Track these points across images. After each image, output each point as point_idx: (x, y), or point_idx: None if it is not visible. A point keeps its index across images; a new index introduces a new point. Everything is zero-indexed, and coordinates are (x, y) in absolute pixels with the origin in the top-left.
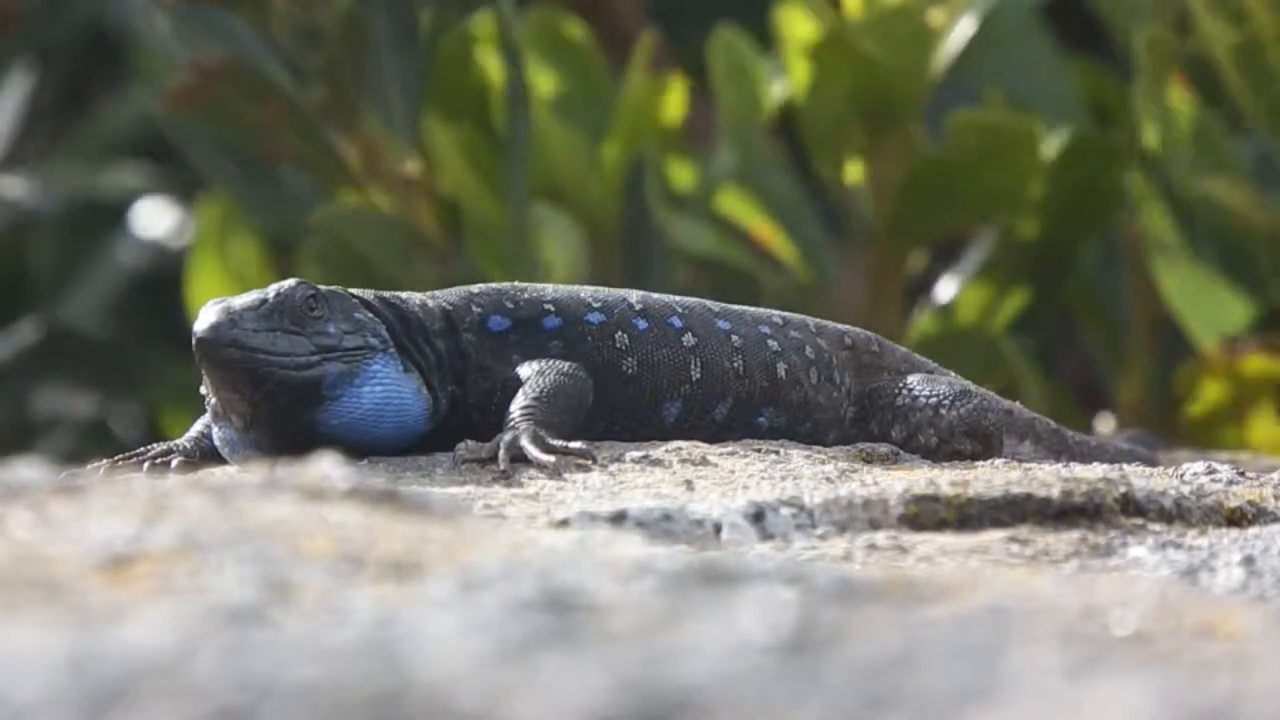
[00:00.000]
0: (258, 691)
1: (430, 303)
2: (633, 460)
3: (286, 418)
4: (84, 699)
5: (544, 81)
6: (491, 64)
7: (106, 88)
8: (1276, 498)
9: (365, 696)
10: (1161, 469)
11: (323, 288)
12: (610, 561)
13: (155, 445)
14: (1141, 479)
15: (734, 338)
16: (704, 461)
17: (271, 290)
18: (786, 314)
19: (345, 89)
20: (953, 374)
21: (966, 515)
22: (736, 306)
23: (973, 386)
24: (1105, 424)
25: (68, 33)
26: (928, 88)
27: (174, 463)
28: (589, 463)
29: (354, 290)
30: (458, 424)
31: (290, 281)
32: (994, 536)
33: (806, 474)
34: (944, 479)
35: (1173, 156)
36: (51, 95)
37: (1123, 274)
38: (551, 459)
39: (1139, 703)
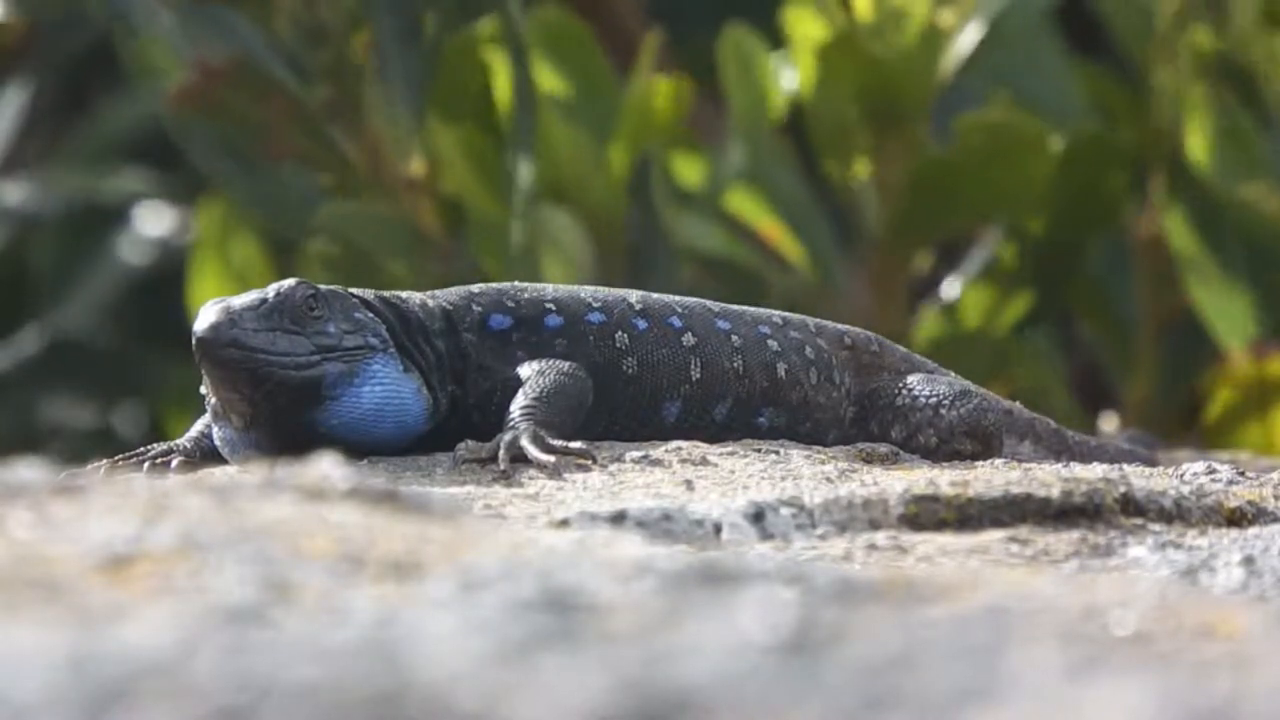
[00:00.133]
0: (258, 691)
1: (430, 302)
2: (633, 460)
3: (286, 418)
4: (84, 699)
5: (549, 81)
6: (496, 63)
7: (107, 91)
8: (1276, 498)
9: (365, 696)
10: (1161, 469)
11: (322, 287)
12: (610, 561)
13: (155, 445)
14: (1141, 479)
15: (734, 338)
16: (704, 461)
17: (271, 290)
18: (786, 314)
19: (349, 88)
20: (953, 374)
21: (966, 515)
22: (736, 306)
23: (973, 386)
24: (1110, 423)
25: (72, 43)
26: (936, 89)
27: (174, 463)
28: (589, 463)
29: (354, 290)
30: (458, 424)
31: (290, 281)
32: (994, 536)
33: (806, 474)
34: (944, 479)
35: (1203, 160)
36: (51, 99)
37: (1132, 274)
38: (551, 459)
39: (1139, 703)
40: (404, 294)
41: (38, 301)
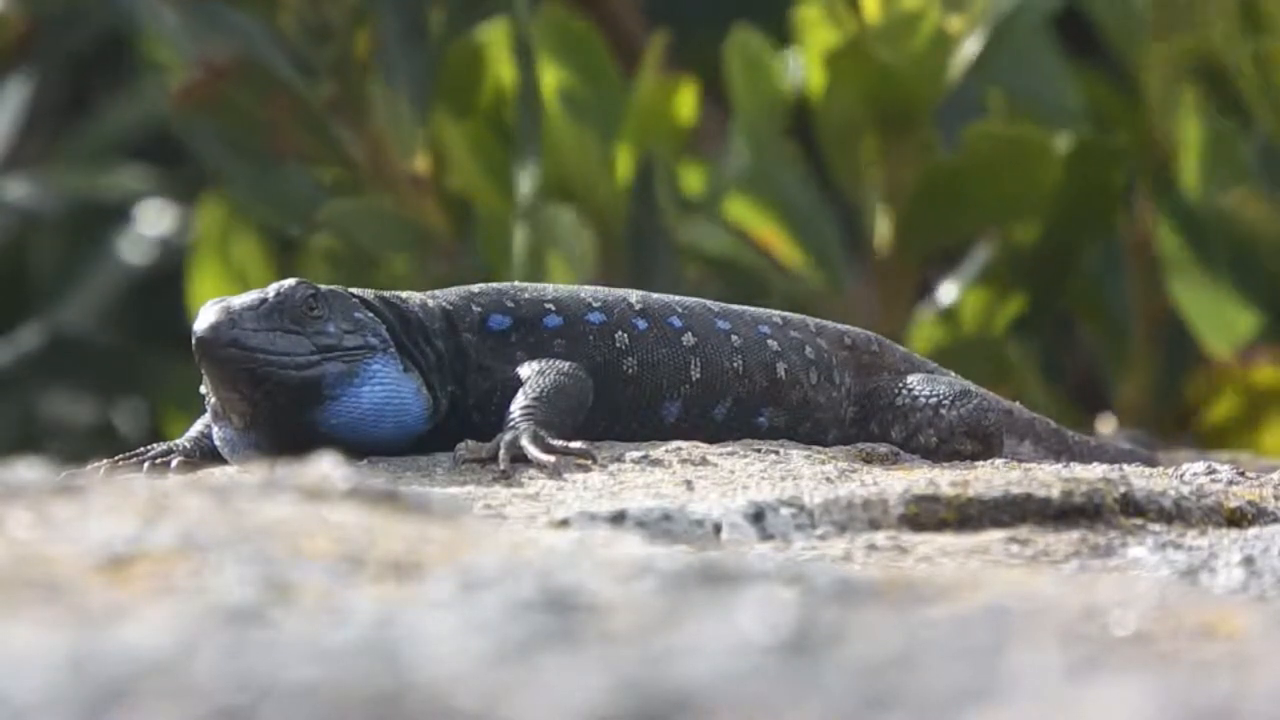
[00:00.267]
0: (258, 691)
1: (430, 302)
2: (633, 460)
3: (286, 417)
4: (84, 699)
5: (555, 80)
6: (502, 62)
7: (109, 89)
8: (1276, 498)
9: (365, 696)
10: (1161, 469)
11: (322, 287)
12: (610, 561)
13: (155, 445)
14: (1141, 479)
15: (734, 338)
16: (704, 461)
17: (271, 290)
18: (786, 314)
19: (354, 86)
20: (953, 374)
21: (966, 515)
22: (736, 306)
23: (973, 386)
24: (1106, 425)
25: (75, 40)
26: (942, 94)
27: (174, 463)
28: (589, 462)
29: (354, 290)
30: (458, 424)
31: (290, 281)
32: (994, 537)
33: (806, 474)
34: (944, 479)
35: (1186, 168)
36: (53, 96)
37: (1125, 276)
38: (551, 459)
39: (1139, 703)
40: (404, 294)
41: (38, 300)
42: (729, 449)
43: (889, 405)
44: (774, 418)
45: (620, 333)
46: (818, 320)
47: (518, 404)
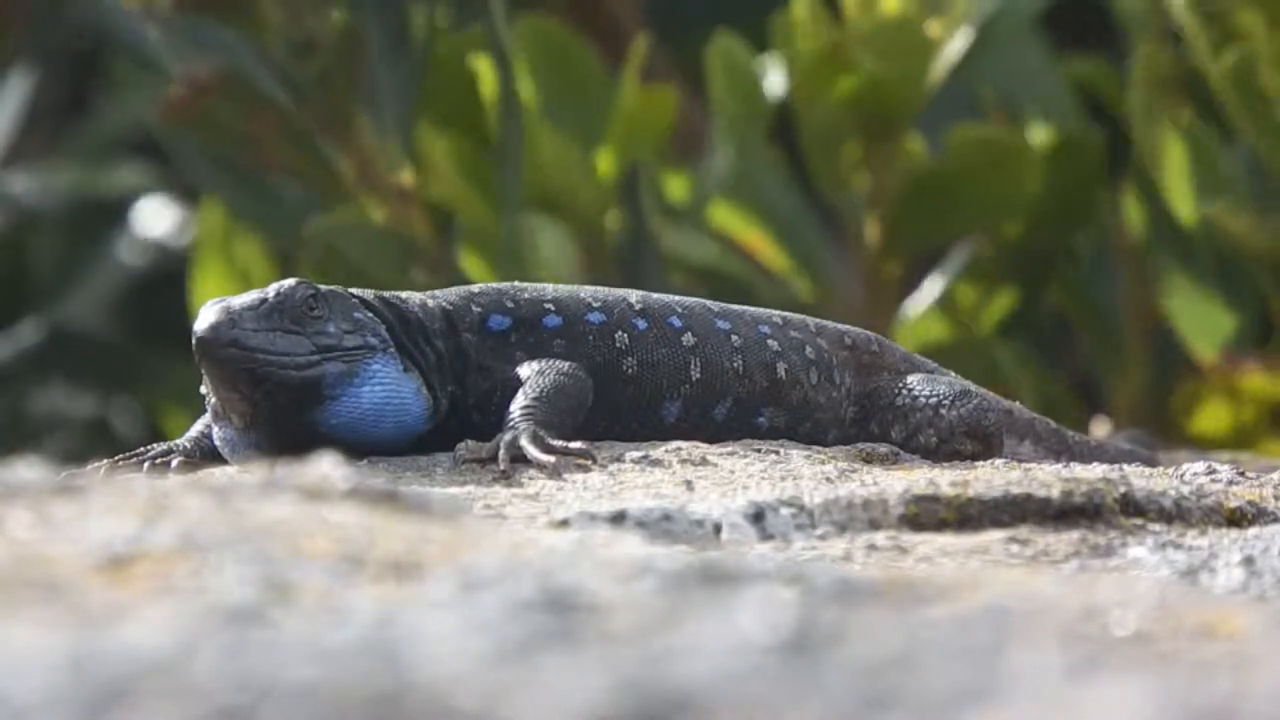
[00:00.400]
0: (258, 691)
1: (430, 302)
2: (633, 460)
3: (286, 417)
4: (84, 699)
5: (536, 89)
6: (484, 72)
7: (107, 86)
8: (1276, 498)
9: (365, 696)
10: (1161, 469)
11: (323, 287)
12: (610, 561)
13: (155, 445)
14: (1141, 479)
15: (734, 338)
16: (704, 461)
17: (271, 290)
18: (786, 314)
19: (338, 100)
20: (953, 374)
21: (966, 515)
22: (736, 306)
23: (973, 387)
24: (1101, 427)
25: (68, 33)
26: (924, 98)
27: (174, 463)
28: (589, 463)
29: (354, 290)
30: (457, 424)
31: (290, 281)
32: (994, 537)
33: (806, 474)
34: (944, 479)
35: (1170, 181)
36: (52, 94)
37: (1115, 278)
38: (551, 459)
39: (1139, 703)
40: (404, 294)
41: (38, 296)
42: (729, 449)
43: (889, 405)
44: (774, 418)
45: (620, 333)
46: (818, 320)
47: (517, 404)
